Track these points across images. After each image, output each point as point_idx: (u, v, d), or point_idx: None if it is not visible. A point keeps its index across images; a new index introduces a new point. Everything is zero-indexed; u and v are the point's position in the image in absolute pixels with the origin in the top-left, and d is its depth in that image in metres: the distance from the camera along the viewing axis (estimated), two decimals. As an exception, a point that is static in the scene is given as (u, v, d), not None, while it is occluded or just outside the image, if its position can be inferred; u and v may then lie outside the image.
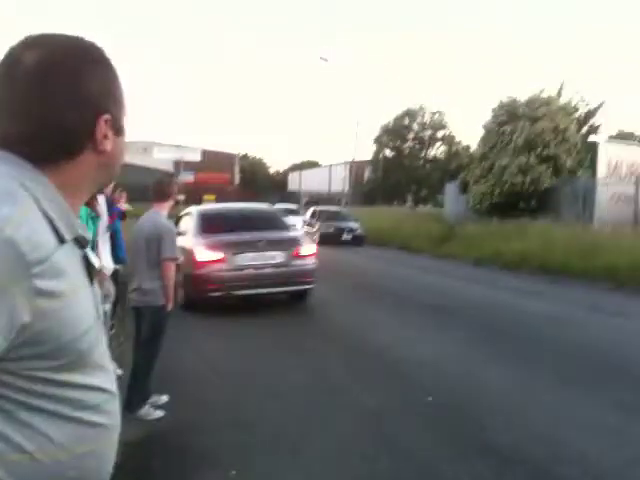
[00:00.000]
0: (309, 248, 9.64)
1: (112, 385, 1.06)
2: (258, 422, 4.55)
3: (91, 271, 1.05)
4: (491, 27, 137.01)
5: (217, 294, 8.54)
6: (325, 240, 23.51)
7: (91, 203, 3.54)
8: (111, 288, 5.37)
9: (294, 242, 9.50)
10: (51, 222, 0.94)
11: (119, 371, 5.38)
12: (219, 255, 8.55)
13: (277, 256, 9.03)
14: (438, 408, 4.96)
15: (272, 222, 10.05)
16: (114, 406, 1.06)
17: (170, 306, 4.64)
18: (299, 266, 9.18)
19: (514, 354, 6.87)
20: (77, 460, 0.97)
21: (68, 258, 0.96)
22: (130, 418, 4.42)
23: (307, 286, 9.48)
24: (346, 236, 23.93)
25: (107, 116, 1.02)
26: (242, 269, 8.69)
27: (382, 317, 8.93)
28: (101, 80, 1.03)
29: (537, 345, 7.34)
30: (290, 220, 28.82)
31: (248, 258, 8.75)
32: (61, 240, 0.94)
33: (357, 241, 23.78)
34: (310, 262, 9.41)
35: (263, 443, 4.15)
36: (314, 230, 25.20)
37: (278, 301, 10.09)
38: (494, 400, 5.20)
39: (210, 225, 9.20)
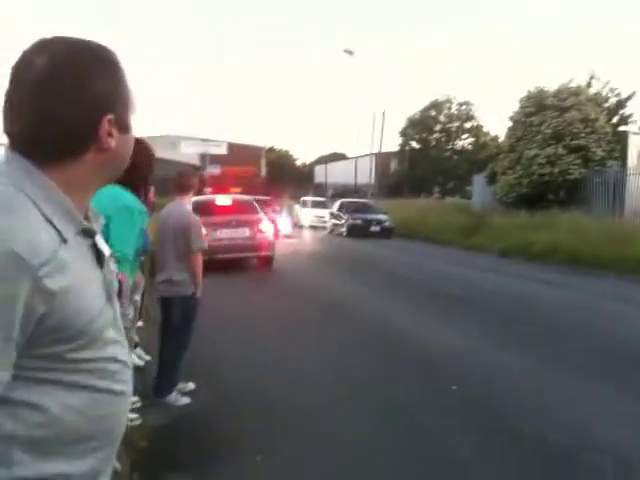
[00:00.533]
0: (268, 226, 12.99)
1: (126, 357, 1.16)
2: (282, 409, 4.59)
3: (101, 257, 1.13)
4: (523, 16, 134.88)
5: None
6: (353, 232, 23.68)
7: (146, 198, 3.47)
8: (141, 279, 5.44)
9: (257, 222, 12.77)
10: (52, 224, 1.00)
11: (147, 357, 5.49)
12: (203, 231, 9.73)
13: (245, 231, 12.47)
14: (463, 397, 4.95)
15: (246, 208, 13.35)
16: (127, 375, 1.16)
17: (199, 293, 4.70)
18: (261, 239, 12.62)
19: (538, 344, 6.81)
20: (94, 422, 1.07)
21: (73, 252, 1.02)
22: (158, 403, 4.52)
23: (267, 253, 12.79)
24: (374, 228, 23.72)
25: (110, 116, 1.06)
26: (220, 240, 11.70)
27: (407, 308, 8.92)
28: (107, 81, 1.07)
29: (565, 336, 7.27)
30: (319, 212, 28.98)
31: (224, 233, 12.00)
32: (63, 239, 1.01)
33: (385, 233, 23.56)
34: (269, 236, 12.81)
35: (288, 428, 4.19)
36: (342, 222, 25.22)
37: (303, 291, 10.20)
38: (520, 389, 5.17)
39: (199, 209, 9.59)
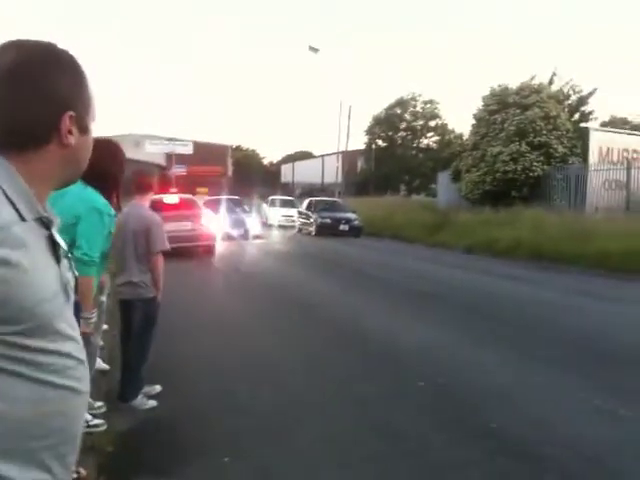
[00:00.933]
0: (208, 219, 15.60)
1: (81, 354, 1.14)
2: (250, 410, 4.57)
3: (57, 250, 1.12)
4: (485, 16, 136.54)
5: None
6: (322, 231, 23.61)
7: (117, 201, 3.42)
8: (107, 280, 5.35)
9: (198, 216, 15.08)
10: (10, 201, 1.03)
11: (106, 366, 5.34)
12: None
13: (188, 224, 14.50)
14: (429, 393, 5.00)
15: (189, 204, 15.66)
16: (81, 372, 1.13)
17: (160, 296, 4.64)
18: (202, 230, 14.94)
19: (506, 339, 6.92)
20: (42, 418, 1.04)
21: (29, 235, 1.03)
22: (123, 408, 4.45)
23: (208, 242, 15.21)
24: (343, 227, 23.69)
25: (72, 113, 1.12)
26: (168, 232, 12.82)
27: (378, 306, 8.97)
28: (69, 82, 1.14)
29: (529, 330, 7.39)
30: (287, 211, 28.92)
31: (171, 225, 12.15)
32: (22, 218, 1.03)
33: (354, 232, 23.57)
34: (209, 228, 15.34)
35: (255, 430, 4.17)
36: (310, 221, 25.12)
37: (273, 291, 10.19)
38: (486, 384, 5.24)
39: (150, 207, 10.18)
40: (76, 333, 1.14)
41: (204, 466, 3.64)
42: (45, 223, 1.10)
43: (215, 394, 4.95)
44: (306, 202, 27.83)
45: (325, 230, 23.52)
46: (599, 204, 18.93)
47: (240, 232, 21.02)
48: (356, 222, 23.98)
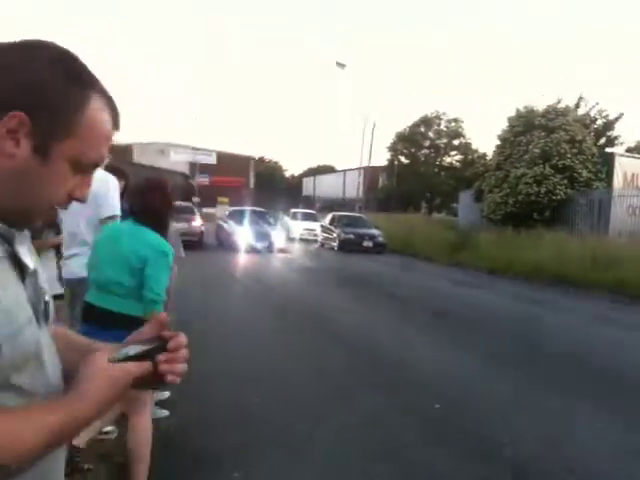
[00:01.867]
0: (198, 220, 20.63)
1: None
2: (262, 423, 4.55)
3: (23, 269, 0.96)
4: (513, 35, 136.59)
5: None
6: (345, 246, 23.26)
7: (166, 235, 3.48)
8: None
9: (192, 218, 19.88)
10: None
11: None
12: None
13: (186, 225, 18.31)
14: (446, 416, 4.95)
15: (186, 209, 20.05)
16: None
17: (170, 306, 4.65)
18: (194, 228, 19.68)
19: (524, 364, 6.84)
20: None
21: None
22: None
23: (197, 238, 19.50)
24: (367, 243, 23.33)
25: (23, 115, 0.87)
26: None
27: (392, 324, 8.92)
28: (35, 81, 0.89)
29: (547, 356, 7.30)
30: (309, 225, 28.73)
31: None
32: None
33: (378, 248, 23.17)
34: (199, 226, 20.27)
35: (266, 445, 4.15)
36: (333, 236, 24.77)
37: (286, 304, 10.20)
38: (503, 409, 5.18)
39: None
40: (56, 359, 1.02)
41: (214, 478, 3.64)
42: (4, 237, 0.92)
43: (227, 405, 4.95)
44: (329, 217, 27.41)
45: (348, 245, 23.19)
46: (622, 229, 18.71)
47: (264, 245, 20.73)
48: (380, 238, 23.64)
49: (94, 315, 3.15)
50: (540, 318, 10.06)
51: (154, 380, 1.01)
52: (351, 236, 23.57)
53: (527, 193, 21.38)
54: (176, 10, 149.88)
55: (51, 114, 0.90)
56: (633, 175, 21.83)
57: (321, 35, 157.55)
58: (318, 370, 6.18)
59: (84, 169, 0.96)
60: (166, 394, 4.81)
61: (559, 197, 20.98)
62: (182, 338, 1.04)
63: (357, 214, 29.61)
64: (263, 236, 21.04)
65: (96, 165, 0.97)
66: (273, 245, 21.11)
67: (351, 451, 4.09)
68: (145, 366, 0.99)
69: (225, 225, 22.16)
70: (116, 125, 0.99)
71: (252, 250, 19.96)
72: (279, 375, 5.90)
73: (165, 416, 4.56)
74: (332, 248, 24.50)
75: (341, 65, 32.04)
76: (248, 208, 24.56)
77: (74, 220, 3.93)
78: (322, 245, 26.24)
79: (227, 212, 24.48)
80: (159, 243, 3.18)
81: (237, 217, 22.05)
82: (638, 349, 8.11)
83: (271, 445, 4.15)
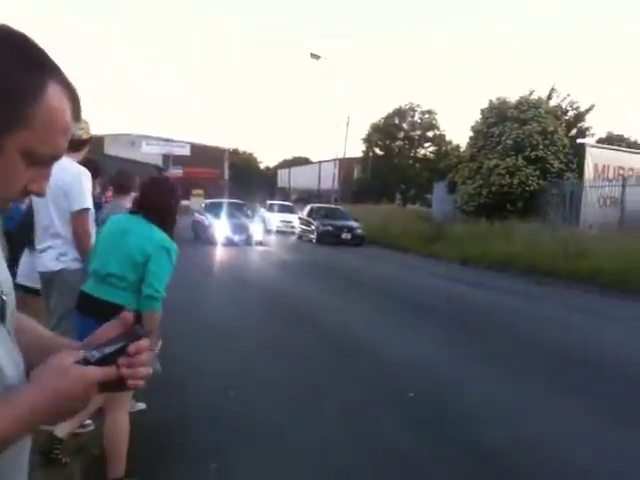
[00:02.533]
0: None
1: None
2: (239, 417, 4.55)
3: None
4: (487, 26, 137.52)
5: None
6: (323, 239, 23.05)
7: (172, 233, 3.46)
8: None
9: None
10: None
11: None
12: None
13: None
14: (419, 405, 5.00)
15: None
16: None
17: None
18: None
19: (495, 353, 6.94)
20: None
21: None
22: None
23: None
24: (345, 235, 23.14)
25: None
26: None
27: (367, 315, 8.98)
28: None
29: (518, 345, 7.41)
30: (286, 217, 28.46)
31: None
32: None
33: (357, 240, 23.01)
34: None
35: (244, 438, 4.15)
36: (312, 228, 24.53)
37: (266, 298, 10.18)
38: (474, 398, 5.24)
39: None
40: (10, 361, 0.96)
41: (191, 471, 3.63)
42: None
43: (204, 401, 4.93)
44: (307, 209, 27.18)
45: (327, 238, 23.00)
46: (593, 220, 19.01)
47: (242, 238, 20.40)
48: (359, 231, 23.50)
49: (91, 306, 3.15)
50: (514, 308, 10.20)
51: (118, 384, 0.97)
52: (329, 228, 23.41)
53: (500, 184, 21.59)
54: None
55: (2, 103, 0.83)
56: (604, 166, 22.17)
57: (299, 27, 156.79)
58: (296, 365, 6.19)
59: (40, 162, 0.89)
60: (141, 405, 4.69)
61: (532, 188, 21.23)
62: (144, 342, 0.99)
63: (335, 206, 29.31)
64: (241, 229, 20.70)
65: (54, 158, 0.91)
66: (251, 238, 20.75)
67: (329, 445, 4.11)
68: (109, 372, 0.94)
69: (202, 218, 21.77)
70: (76, 116, 0.92)
71: (230, 243, 19.70)
72: (256, 368, 5.89)
73: (141, 409, 4.53)
74: (310, 240, 24.31)
75: (316, 56, 31.91)
76: (225, 200, 24.20)
77: (47, 213, 3.88)
78: (300, 237, 26.03)
79: (203, 204, 24.14)
80: (163, 240, 3.20)
81: (214, 210, 21.55)
82: (613, 338, 8.26)
83: (248, 439, 4.15)
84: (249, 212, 23.66)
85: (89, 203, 3.98)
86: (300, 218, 27.20)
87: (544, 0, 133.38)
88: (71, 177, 3.82)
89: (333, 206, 29.02)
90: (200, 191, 43.33)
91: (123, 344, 0.98)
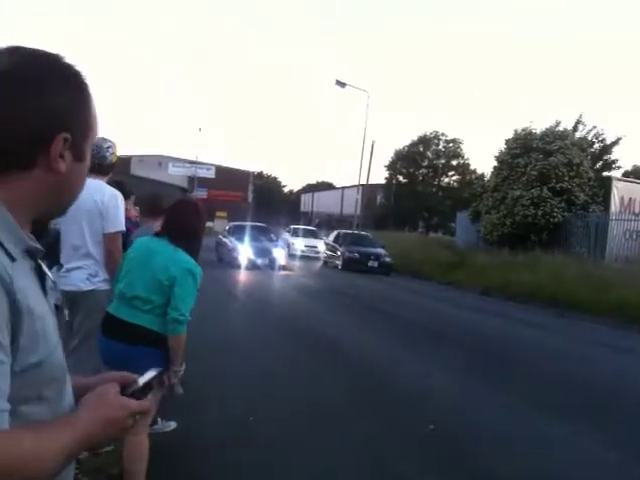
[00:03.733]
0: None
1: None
2: (251, 444, 4.52)
3: (44, 282, 1.03)
4: (515, 56, 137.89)
5: None
6: (349, 266, 22.46)
7: (197, 256, 3.53)
8: None
9: None
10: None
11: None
12: None
13: None
14: (439, 437, 4.94)
15: None
16: None
17: None
18: None
19: (516, 386, 6.83)
20: None
21: (21, 272, 0.94)
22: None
23: None
24: (372, 263, 22.48)
25: (66, 134, 0.97)
26: None
27: (386, 344, 8.92)
28: (67, 99, 0.99)
29: (541, 378, 7.30)
30: (311, 242, 28.32)
31: None
32: (12, 258, 0.92)
33: (384, 269, 22.27)
34: None
35: (256, 466, 4.13)
36: (337, 254, 24.08)
37: (281, 324, 10.18)
38: (494, 432, 5.17)
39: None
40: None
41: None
42: (32, 253, 1.00)
43: (224, 424, 4.93)
44: (334, 234, 26.71)
45: (353, 265, 22.38)
46: (619, 253, 18.77)
47: (265, 262, 20.13)
48: (386, 259, 22.82)
49: (116, 327, 3.19)
50: (534, 340, 10.07)
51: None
52: (356, 255, 22.77)
53: (524, 215, 21.42)
54: (178, 17, 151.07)
55: (79, 122, 1.02)
56: (630, 199, 21.94)
57: (324, 52, 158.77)
58: (313, 394, 6.15)
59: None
60: (173, 424, 4.70)
61: (556, 219, 21.04)
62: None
63: (363, 232, 28.68)
64: (264, 252, 20.48)
65: None
66: (275, 262, 20.40)
67: (341, 475, 4.08)
68: (144, 404, 1.07)
69: (225, 240, 21.74)
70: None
71: (253, 267, 19.49)
72: (272, 397, 5.84)
73: (173, 428, 4.53)
74: (336, 267, 23.72)
75: (341, 84, 32.19)
76: (249, 223, 24.14)
77: (80, 233, 3.92)
78: (325, 263, 25.57)
79: (227, 227, 24.11)
80: (189, 263, 3.23)
81: (238, 232, 21.47)
82: (634, 374, 8.11)
83: (260, 467, 4.12)
84: (273, 236, 23.32)
85: (123, 226, 4.04)
86: (326, 244, 26.77)
87: (574, 32, 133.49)
88: (107, 198, 3.90)
89: (362, 232, 28.33)
90: (224, 213, 43.77)
91: (153, 379, 1.12)
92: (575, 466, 4.52)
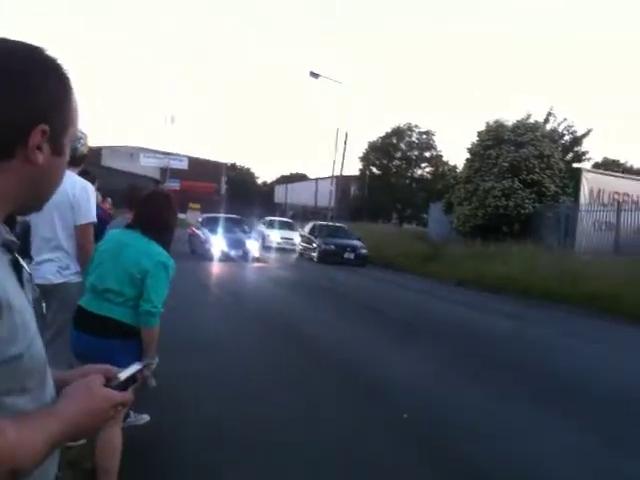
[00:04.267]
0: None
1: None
2: (233, 439, 4.49)
3: (21, 275, 1.01)
4: (486, 48, 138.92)
5: None
6: (325, 258, 22.35)
7: (169, 247, 3.48)
8: None
9: None
10: None
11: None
12: None
13: None
14: (413, 426, 4.98)
15: None
16: None
17: None
18: None
19: (488, 375, 6.93)
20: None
21: (1, 265, 0.93)
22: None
23: None
24: (348, 255, 22.42)
25: (44, 127, 0.96)
26: None
27: (362, 335, 8.95)
28: (47, 92, 0.98)
29: (511, 367, 7.40)
30: (286, 234, 28.15)
31: None
32: None
33: (360, 260, 22.22)
34: None
35: (237, 460, 4.11)
36: (313, 246, 23.99)
37: (258, 317, 10.13)
38: (468, 419, 5.22)
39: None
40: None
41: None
42: (8, 246, 0.98)
43: (199, 419, 4.89)
44: (309, 226, 26.55)
45: (329, 257, 22.29)
46: (588, 244, 19.09)
47: (239, 253, 20.11)
48: (362, 250, 22.80)
49: (88, 321, 3.15)
50: (505, 330, 10.20)
51: None
52: (332, 247, 22.71)
53: (496, 206, 21.67)
54: (150, 10, 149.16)
55: (59, 116, 1.00)
56: (600, 191, 22.31)
57: (296, 42, 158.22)
58: (290, 386, 6.14)
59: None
60: (145, 417, 4.66)
61: (527, 211, 21.32)
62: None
63: (339, 224, 28.47)
64: (238, 244, 20.41)
65: None
66: (249, 254, 20.37)
67: (323, 468, 4.08)
68: (127, 396, 1.09)
69: (198, 232, 21.57)
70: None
71: (227, 259, 19.44)
72: (251, 391, 5.82)
73: (146, 421, 4.48)
74: (311, 259, 23.65)
75: (315, 75, 32.13)
76: (222, 215, 24.00)
77: (50, 226, 3.85)
78: (301, 255, 25.50)
79: (200, 219, 23.94)
80: (161, 255, 3.20)
81: (211, 224, 21.34)
82: (606, 363, 8.26)
83: (241, 462, 4.09)
84: (246, 227, 23.24)
85: (94, 217, 3.98)
86: (302, 235, 26.66)
87: (544, 24, 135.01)
88: (78, 190, 3.83)
89: (337, 224, 28.14)
90: (197, 205, 43.38)
91: (137, 372, 1.13)
92: (549, 454, 4.59)
